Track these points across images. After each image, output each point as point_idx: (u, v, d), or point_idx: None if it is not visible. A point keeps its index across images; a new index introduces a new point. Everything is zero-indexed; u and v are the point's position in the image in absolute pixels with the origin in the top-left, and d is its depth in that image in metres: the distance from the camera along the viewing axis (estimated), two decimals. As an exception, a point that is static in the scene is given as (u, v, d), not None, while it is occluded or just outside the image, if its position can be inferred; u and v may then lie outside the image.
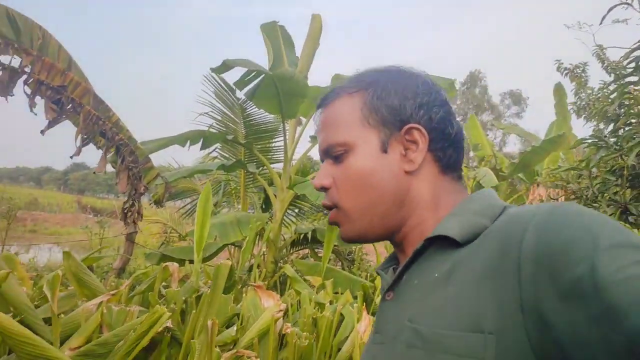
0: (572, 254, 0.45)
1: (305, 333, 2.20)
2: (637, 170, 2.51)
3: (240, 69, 4.93)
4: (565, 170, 2.95)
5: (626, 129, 2.71)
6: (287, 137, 5.94)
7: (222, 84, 6.56)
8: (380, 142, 0.68)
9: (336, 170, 0.70)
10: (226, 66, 4.62)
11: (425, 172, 0.68)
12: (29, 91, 3.42)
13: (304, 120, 6.33)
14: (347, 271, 6.03)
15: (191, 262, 5.21)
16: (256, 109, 6.50)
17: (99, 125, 3.53)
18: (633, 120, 2.76)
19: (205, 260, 5.27)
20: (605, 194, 2.58)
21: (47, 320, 2.26)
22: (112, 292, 2.34)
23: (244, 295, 2.66)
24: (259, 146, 6.78)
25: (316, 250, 6.90)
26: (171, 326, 1.62)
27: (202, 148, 5.65)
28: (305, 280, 4.62)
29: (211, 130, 6.62)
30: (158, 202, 4.79)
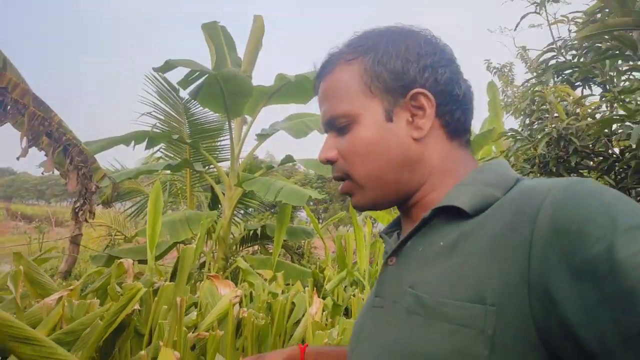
0: (589, 232, 0.44)
1: (261, 313, 2.37)
2: (547, 159, 2.89)
3: (184, 68, 4.99)
4: (488, 160, 3.31)
5: (537, 122, 3.12)
6: (233, 135, 6.04)
7: (165, 84, 6.55)
8: (384, 111, 0.66)
9: (341, 141, 0.68)
10: (169, 65, 4.66)
11: (434, 138, 0.67)
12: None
13: (249, 119, 6.45)
14: (296, 264, 6.24)
15: (140, 262, 5.20)
16: (200, 108, 6.55)
17: (45, 126, 3.49)
18: (545, 116, 3.15)
19: (157, 257, 5.28)
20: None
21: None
22: (70, 288, 2.40)
23: (198, 286, 2.79)
24: (205, 145, 6.82)
25: (266, 246, 7.05)
26: (138, 308, 1.74)
27: (147, 148, 5.62)
28: (257, 273, 4.78)
29: (155, 130, 6.58)
30: (106, 203, 4.75)
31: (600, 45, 2.64)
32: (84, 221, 3.92)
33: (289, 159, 6.13)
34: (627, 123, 2.36)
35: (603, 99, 2.71)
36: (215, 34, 6.77)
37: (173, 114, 6.98)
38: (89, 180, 3.72)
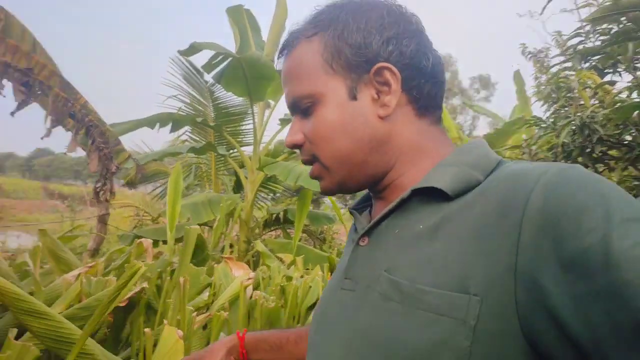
0: (583, 221, 0.42)
1: (272, 297, 2.41)
2: (570, 148, 2.79)
3: (209, 52, 5.03)
4: (510, 148, 3.22)
5: (562, 110, 3.01)
6: (255, 119, 6.07)
7: (190, 67, 6.61)
8: (347, 89, 0.62)
9: (306, 124, 0.66)
10: (194, 49, 4.70)
11: (402, 116, 0.63)
12: (-4, 74, 3.46)
13: (272, 103, 6.46)
14: (317, 249, 6.28)
15: (164, 242, 5.33)
16: (224, 92, 6.60)
17: (68, 107, 3.60)
18: (570, 103, 3.04)
19: (179, 240, 5.41)
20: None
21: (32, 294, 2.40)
22: (89, 265, 2.48)
23: (214, 265, 2.84)
24: (229, 129, 6.88)
25: (288, 230, 7.11)
26: (146, 286, 1.79)
27: (172, 131, 5.73)
28: (277, 257, 4.84)
29: (180, 112, 6.68)
30: (130, 184, 4.88)
31: (613, 27, 2.52)
32: (104, 201, 4.04)
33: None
34: (654, 111, 2.26)
35: (630, 85, 2.59)
36: (239, 17, 6.76)
37: (198, 97, 7.06)
38: (109, 161, 3.83)
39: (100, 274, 2.86)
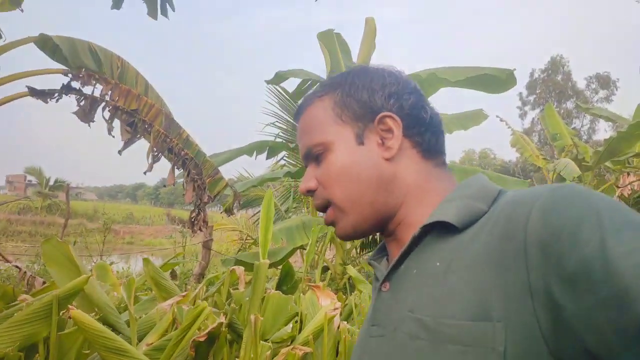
0: (579, 234, 0.44)
1: (357, 329, 2.27)
2: None
3: (297, 78, 5.13)
4: (634, 156, 2.74)
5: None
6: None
7: (285, 94, 6.83)
8: (355, 136, 0.69)
9: (318, 171, 0.71)
10: (279, 77, 4.82)
11: (406, 158, 0.69)
12: (107, 116, 3.84)
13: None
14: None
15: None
16: (318, 115, 6.69)
17: (167, 143, 3.87)
18: None
19: (276, 264, 5.51)
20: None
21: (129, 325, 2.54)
22: (183, 294, 2.56)
23: (301, 295, 2.78)
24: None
25: (386, 251, 6.92)
26: (224, 321, 1.77)
27: (268, 157, 5.92)
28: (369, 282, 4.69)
29: (278, 139, 6.90)
30: (228, 211, 5.10)
31: None
32: (197, 230, 4.24)
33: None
34: None
35: None
36: (330, 41, 6.86)
37: (294, 123, 7.25)
38: (203, 192, 4.03)
39: (195, 300, 2.95)
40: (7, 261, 4.64)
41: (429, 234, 0.62)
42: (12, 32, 4.18)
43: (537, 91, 33.59)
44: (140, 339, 2.23)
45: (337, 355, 2.32)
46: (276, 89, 6.70)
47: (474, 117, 6.20)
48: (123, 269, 7.51)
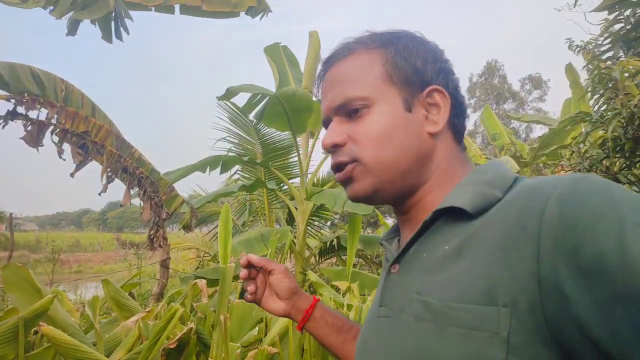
0: (597, 228, 0.44)
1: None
2: (622, 141, 2.62)
3: (247, 93, 5.22)
4: (557, 148, 3.05)
5: (609, 102, 2.84)
6: (300, 151, 6.18)
7: (235, 109, 6.89)
8: (403, 101, 0.66)
9: (352, 126, 0.67)
10: (230, 93, 4.90)
11: (444, 137, 0.68)
12: (56, 140, 3.79)
13: (314, 133, 6.57)
14: (374, 274, 6.18)
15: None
16: (269, 128, 6.79)
17: (121, 163, 3.86)
18: (615, 94, 2.87)
19: (236, 277, 5.53)
20: (596, 167, 2.69)
21: (95, 345, 2.53)
22: (147, 310, 2.59)
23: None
24: (277, 164, 7.05)
25: (343, 257, 7.08)
26: (193, 326, 1.84)
27: (222, 172, 5.93)
28: (332, 286, 4.80)
29: (230, 153, 6.94)
30: (186, 228, 5.08)
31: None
32: (158, 247, 4.23)
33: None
34: None
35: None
36: (277, 55, 7.02)
37: (245, 136, 7.32)
38: (160, 209, 4.03)
39: (159, 317, 2.97)
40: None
41: (442, 217, 0.61)
42: (-54, 59, 4.03)
43: (477, 94, 35.22)
44: (107, 357, 2.25)
45: (302, 354, 2.43)
46: (226, 104, 6.75)
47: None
48: (76, 296, 7.23)
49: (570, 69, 9.07)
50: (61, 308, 2.23)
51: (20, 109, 3.69)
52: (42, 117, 3.82)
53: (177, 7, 4.47)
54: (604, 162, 2.73)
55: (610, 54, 2.85)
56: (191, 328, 1.81)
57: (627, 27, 2.92)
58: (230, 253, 3.89)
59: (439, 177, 0.67)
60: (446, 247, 0.58)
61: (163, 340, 1.62)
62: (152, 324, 2.46)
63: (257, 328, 2.45)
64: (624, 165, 2.68)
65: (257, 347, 2.33)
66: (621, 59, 2.68)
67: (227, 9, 4.53)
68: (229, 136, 7.26)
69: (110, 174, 3.83)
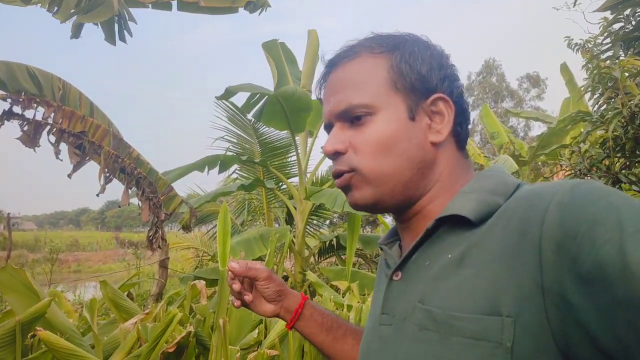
0: (597, 234, 0.43)
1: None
2: (623, 141, 2.61)
3: (246, 92, 5.20)
4: (558, 148, 3.04)
5: (610, 102, 2.82)
6: (299, 150, 6.16)
7: (233, 108, 6.86)
8: (407, 109, 0.64)
9: (353, 133, 0.66)
10: (229, 93, 4.88)
11: (447, 146, 0.67)
12: (53, 140, 3.76)
13: (313, 132, 6.55)
14: (373, 273, 6.17)
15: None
16: (267, 127, 6.77)
17: (119, 163, 3.84)
18: (616, 93, 2.86)
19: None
20: (596, 167, 2.68)
21: (94, 346, 2.52)
22: (145, 312, 2.57)
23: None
24: (276, 163, 7.03)
25: (342, 256, 7.06)
26: (192, 330, 1.83)
27: (220, 171, 5.92)
28: (332, 286, 4.79)
29: (228, 153, 6.91)
30: (186, 228, 5.07)
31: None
32: (157, 248, 4.21)
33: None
34: None
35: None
36: (275, 51, 6.99)
37: (244, 135, 7.30)
38: (159, 209, 4.01)
39: (158, 319, 2.95)
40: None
41: (444, 225, 0.61)
42: (-58, 58, 3.99)
43: (475, 93, 35.23)
44: (105, 359, 2.23)
45: (302, 356, 2.41)
46: (225, 103, 6.73)
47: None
48: (75, 296, 7.21)
49: (565, 69, 9.05)
50: (59, 310, 2.21)
51: (17, 109, 3.66)
52: (39, 116, 3.80)
53: (174, 4, 4.43)
54: (604, 161, 2.71)
55: (610, 53, 2.83)
56: (190, 331, 1.79)
57: (628, 26, 2.91)
58: (229, 253, 3.88)
59: (441, 186, 0.66)
60: (449, 256, 0.57)
61: (162, 345, 1.61)
62: (151, 326, 2.45)
63: (257, 330, 2.43)
64: (624, 165, 2.67)
65: (256, 350, 2.32)
66: (621, 59, 2.66)
67: (226, 4, 4.49)
68: (227, 135, 7.25)
69: (108, 174, 3.81)
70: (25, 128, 3.62)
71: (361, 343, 0.72)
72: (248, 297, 0.89)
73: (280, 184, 7.07)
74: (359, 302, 3.72)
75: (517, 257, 0.49)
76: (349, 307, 3.22)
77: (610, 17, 3.09)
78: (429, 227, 0.61)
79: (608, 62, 2.80)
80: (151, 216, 3.99)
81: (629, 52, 2.90)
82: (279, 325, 2.34)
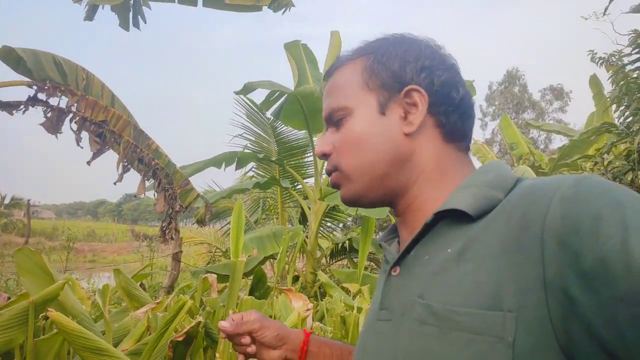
0: (600, 229, 0.43)
1: (330, 328, 2.36)
2: (650, 153, 2.53)
3: (266, 90, 5.23)
4: (582, 159, 2.97)
5: (637, 114, 2.75)
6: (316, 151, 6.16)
7: (253, 106, 6.90)
8: (378, 105, 0.67)
9: (336, 136, 0.70)
10: (248, 89, 4.90)
11: (427, 137, 0.66)
12: (75, 128, 3.83)
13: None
14: (385, 277, 6.12)
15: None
16: (286, 127, 6.79)
17: (137, 153, 3.89)
18: (641, 105, 2.78)
19: (247, 274, 5.53)
20: (620, 179, 2.62)
21: (104, 333, 2.54)
22: (156, 302, 2.59)
23: (274, 298, 2.85)
24: (292, 162, 7.04)
25: (354, 259, 7.03)
26: (202, 320, 1.83)
27: (237, 168, 5.96)
28: (343, 288, 4.77)
29: (246, 150, 6.95)
30: (200, 222, 5.10)
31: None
32: (170, 239, 4.25)
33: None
34: None
35: None
36: (296, 52, 7.00)
37: (262, 133, 7.33)
38: (174, 201, 4.04)
39: (168, 309, 2.96)
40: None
41: (442, 220, 0.61)
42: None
43: (496, 103, 34.86)
44: (115, 346, 2.25)
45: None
46: (244, 100, 6.77)
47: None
48: (89, 285, 7.32)
49: (594, 80, 8.89)
50: (72, 295, 2.24)
51: (41, 96, 3.73)
52: (62, 104, 3.86)
53: (199, 0, 4.48)
54: (627, 174, 2.65)
55: (639, 64, 2.76)
56: (199, 321, 1.79)
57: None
58: (242, 249, 3.89)
59: (427, 178, 0.66)
60: (449, 250, 0.57)
61: (171, 332, 1.61)
62: (161, 315, 2.46)
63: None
64: (649, 178, 2.59)
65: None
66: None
67: (250, 2, 4.52)
68: (245, 132, 7.28)
69: (126, 163, 3.86)
70: (49, 115, 3.69)
71: (358, 339, 0.72)
72: (251, 349, 0.87)
73: (296, 183, 7.08)
74: (369, 305, 3.70)
75: (519, 252, 0.49)
76: (359, 310, 3.20)
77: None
78: (428, 222, 0.61)
79: (637, 72, 2.73)
80: (166, 207, 4.03)
81: (660, 63, 2.82)
82: (288, 322, 2.33)
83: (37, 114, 3.70)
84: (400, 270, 0.64)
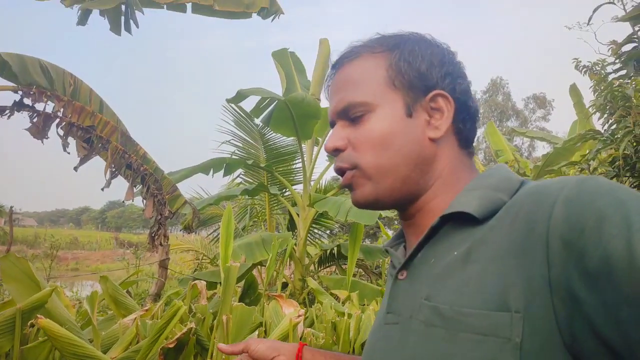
0: (604, 229, 0.43)
1: (321, 334, 2.35)
2: (633, 160, 2.59)
3: (256, 96, 5.22)
4: (567, 165, 3.03)
5: (621, 121, 2.81)
6: (304, 157, 6.16)
7: (241, 113, 6.89)
8: (405, 106, 0.65)
9: (353, 131, 0.67)
10: (240, 96, 4.89)
11: (447, 143, 0.67)
12: (62, 133, 3.77)
13: (320, 140, 6.56)
14: (373, 284, 6.13)
15: (221, 283, 5.43)
16: (274, 133, 6.79)
17: (125, 159, 3.84)
18: (627, 112, 2.85)
19: (239, 279, 5.50)
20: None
21: (92, 340, 2.50)
22: (145, 309, 2.55)
23: (265, 305, 2.84)
24: (280, 169, 7.03)
25: (343, 265, 7.03)
26: (194, 327, 1.81)
27: (225, 175, 5.92)
28: (332, 294, 4.77)
29: (233, 157, 6.92)
30: (188, 229, 5.05)
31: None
32: (159, 245, 4.20)
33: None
34: None
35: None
36: (284, 60, 7.03)
37: (250, 140, 7.31)
38: (163, 207, 4.00)
39: (156, 316, 2.93)
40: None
41: (448, 223, 0.61)
42: (-44, 48, 4.02)
43: (481, 111, 35.28)
44: (103, 353, 2.21)
45: None
46: (232, 107, 6.75)
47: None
48: (72, 293, 7.18)
49: (574, 90, 9.04)
50: (59, 302, 2.20)
51: (27, 101, 3.68)
52: (49, 110, 3.81)
53: (189, 6, 4.47)
54: (613, 180, 2.70)
55: (622, 72, 2.83)
56: (191, 328, 1.77)
57: (641, 46, 2.91)
58: (231, 256, 3.87)
59: (443, 182, 0.66)
60: (455, 253, 0.57)
61: (162, 339, 1.59)
62: (150, 322, 2.42)
63: (256, 332, 2.41)
64: (634, 185, 2.66)
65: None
66: (634, 78, 2.65)
67: (239, 9, 4.52)
68: (233, 139, 7.26)
69: (114, 169, 3.81)
70: (35, 120, 3.63)
71: (366, 344, 0.71)
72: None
73: (284, 190, 7.07)
74: (358, 311, 3.69)
75: (525, 253, 0.49)
76: (349, 315, 3.20)
77: (620, 39, 3.10)
78: (434, 225, 0.61)
79: (620, 80, 2.80)
80: (155, 213, 3.99)
81: (642, 72, 2.89)
82: (279, 328, 2.32)
83: (21, 120, 3.65)
84: (407, 273, 0.64)
